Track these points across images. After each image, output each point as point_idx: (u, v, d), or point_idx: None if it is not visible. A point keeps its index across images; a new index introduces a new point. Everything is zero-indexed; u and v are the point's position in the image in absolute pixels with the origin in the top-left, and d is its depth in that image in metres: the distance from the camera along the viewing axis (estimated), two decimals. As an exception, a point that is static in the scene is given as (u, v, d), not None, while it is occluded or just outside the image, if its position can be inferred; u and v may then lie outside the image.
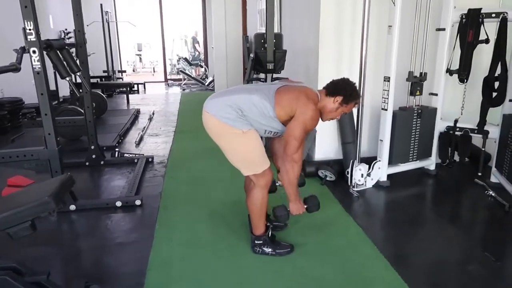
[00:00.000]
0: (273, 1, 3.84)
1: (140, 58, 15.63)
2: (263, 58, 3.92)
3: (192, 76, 11.08)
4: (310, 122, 2.23)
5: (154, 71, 15.00)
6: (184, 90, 10.33)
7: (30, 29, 2.67)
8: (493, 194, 3.21)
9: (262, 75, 4.33)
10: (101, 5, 8.86)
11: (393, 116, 3.37)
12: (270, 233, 2.47)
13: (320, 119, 2.43)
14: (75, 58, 3.53)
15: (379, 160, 3.46)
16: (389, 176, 3.53)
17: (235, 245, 2.57)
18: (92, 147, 4.08)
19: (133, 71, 15.50)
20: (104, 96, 6.80)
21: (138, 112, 6.94)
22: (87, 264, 2.45)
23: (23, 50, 2.71)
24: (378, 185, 3.48)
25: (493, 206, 3.14)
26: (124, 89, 8.98)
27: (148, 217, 3.00)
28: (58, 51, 3.36)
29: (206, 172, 3.94)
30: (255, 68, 4.04)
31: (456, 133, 3.55)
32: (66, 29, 9.63)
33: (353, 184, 3.36)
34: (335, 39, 3.57)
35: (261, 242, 2.45)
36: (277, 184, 2.63)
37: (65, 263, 2.46)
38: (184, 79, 10.96)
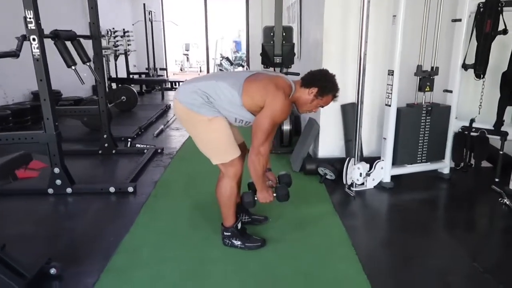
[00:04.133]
0: (281, -7, 3.75)
1: (188, 58, 16.10)
2: (270, 52, 3.83)
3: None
4: (279, 114, 2.13)
5: (200, 71, 15.36)
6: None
7: (30, 18, 2.81)
8: (507, 203, 2.88)
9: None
10: (144, 4, 9.23)
11: (398, 113, 3.14)
12: (239, 225, 2.39)
13: (297, 110, 2.34)
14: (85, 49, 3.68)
15: (382, 160, 3.24)
16: (394, 177, 3.29)
17: (209, 237, 2.51)
18: (105, 136, 4.23)
19: (181, 70, 16.01)
20: (134, 90, 7.04)
21: (168, 107, 7.12)
22: (62, 244, 2.52)
23: (24, 38, 2.86)
24: (380, 187, 3.26)
25: (507, 215, 2.82)
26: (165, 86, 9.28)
27: (136, 204, 3.03)
28: (73, 42, 3.55)
29: (208, 166, 3.91)
30: (263, 62, 3.97)
31: (472, 134, 3.22)
32: (113, 28, 10.13)
33: (348, 183, 3.17)
34: (340, 32, 3.41)
35: (229, 234, 2.38)
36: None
37: (42, 241, 2.55)
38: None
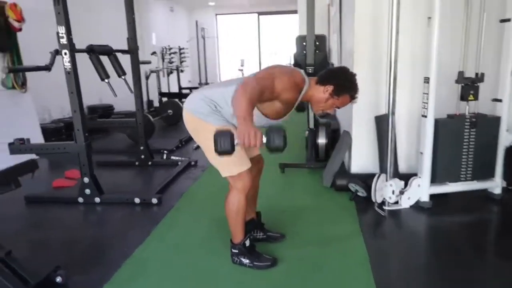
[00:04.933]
0: (313, 1, 3.60)
1: (242, 73, 16.36)
2: (302, 62, 3.70)
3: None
4: (281, 72, 1.96)
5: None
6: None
7: (62, 33, 2.96)
8: None
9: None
10: (196, 21, 9.54)
11: (436, 125, 2.83)
12: (247, 242, 2.25)
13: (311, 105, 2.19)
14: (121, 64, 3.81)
15: (419, 177, 2.93)
16: (433, 197, 2.96)
17: (220, 253, 2.39)
18: (142, 148, 4.33)
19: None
20: (181, 105, 7.21)
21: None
22: (77, 251, 2.54)
23: (56, 52, 3.01)
24: (417, 206, 2.95)
25: None
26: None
27: (157, 216, 3.01)
28: (109, 57, 3.69)
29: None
30: (296, 72, 3.83)
31: (527, 149, 2.82)
32: (168, 45, 10.57)
33: (378, 201, 2.90)
34: (372, 39, 3.19)
35: (237, 251, 2.25)
36: None
37: (60, 247, 2.60)
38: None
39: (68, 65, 3.02)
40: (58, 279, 2.12)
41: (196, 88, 9.94)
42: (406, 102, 3.22)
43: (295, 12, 9.03)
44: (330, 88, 2.04)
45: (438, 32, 2.65)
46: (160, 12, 10.27)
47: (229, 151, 1.58)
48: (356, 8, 3.15)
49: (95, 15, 6.98)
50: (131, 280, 2.17)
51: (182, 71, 11.53)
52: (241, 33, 13.07)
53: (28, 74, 4.68)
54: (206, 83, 10.37)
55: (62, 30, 2.96)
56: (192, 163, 4.33)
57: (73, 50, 3.02)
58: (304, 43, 3.75)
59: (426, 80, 2.76)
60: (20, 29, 4.50)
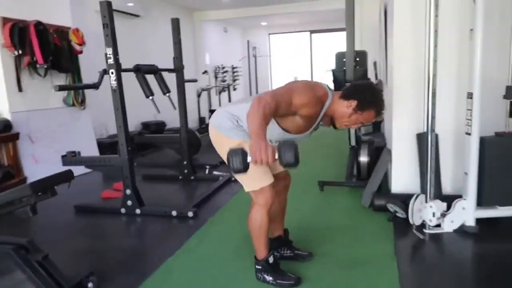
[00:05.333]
0: (352, 15, 3.56)
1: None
2: (340, 78, 3.64)
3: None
4: (301, 88, 1.93)
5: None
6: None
7: (109, 54, 3.19)
8: None
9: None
10: (247, 41, 9.78)
11: (482, 143, 2.63)
12: (270, 259, 2.21)
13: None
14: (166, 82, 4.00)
15: (464, 199, 2.73)
16: (480, 221, 2.73)
17: (247, 268, 2.35)
18: (185, 162, 4.47)
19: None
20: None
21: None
22: (112, 259, 2.66)
23: (104, 71, 3.24)
24: (461, 231, 2.73)
25: None
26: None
27: (192, 229, 3.08)
28: (155, 75, 3.90)
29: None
30: (335, 88, 3.78)
31: None
32: (222, 65, 10.93)
33: (416, 223, 2.73)
34: (413, 54, 3.05)
35: (260, 268, 2.22)
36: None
37: (96, 255, 2.74)
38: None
39: (114, 83, 3.23)
40: (90, 285, 2.22)
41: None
42: (451, 119, 3.04)
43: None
44: (353, 103, 1.99)
45: (482, 44, 2.48)
46: (214, 33, 10.68)
47: (242, 169, 1.58)
48: (395, 22, 3.06)
49: (153, 38, 7.42)
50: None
51: (235, 89, 11.85)
52: (293, 51, 13.17)
53: (87, 93, 5.08)
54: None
55: (109, 51, 3.18)
56: (233, 178, 4.38)
57: (119, 69, 3.23)
58: (344, 60, 3.71)
59: (469, 95, 2.59)
60: (81, 52, 4.92)
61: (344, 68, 3.67)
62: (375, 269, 2.33)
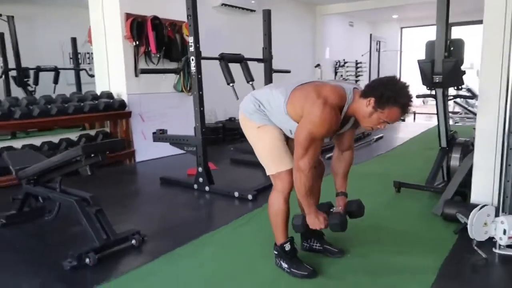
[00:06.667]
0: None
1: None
2: (426, 70, 3.25)
3: (468, 108, 9.69)
4: (317, 125, 1.89)
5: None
6: (456, 122, 9.26)
7: (191, 43, 3.49)
8: None
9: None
10: (370, 35, 9.32)
11: None
12: (287, 246, 2.17)
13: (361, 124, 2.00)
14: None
15: (549, 218, 2.20)
16: None
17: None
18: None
19: (423, 103, 15.00)
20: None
21: (363, 134, 6.87)
22: (166, 224, 2.98)
23: (186, 58, 3.56)
24: (544, 256, 2.21)
25: None
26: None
27: (246, 210, 3.20)
28: (241, 64, 4.11)
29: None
30: (422, 83, 3.40)
31: None
32: (344, 59, 10.73)
33: (478, 239, 2.30)
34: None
35: (277, 253, 2.21)
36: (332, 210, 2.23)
37: (156, 218, 3.11)
38: (461, 112, 9.83)
39: (193, 69, 3.53)
40: (133, 241, 2.54)
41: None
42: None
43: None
44: (372, 100, 1.83)
45: None
46: (338, 27, 10.48)
47: (302, 228, 2.16)
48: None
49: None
50: (184, 257, 2.41)
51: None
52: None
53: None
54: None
55: (191, 40, 3.49)
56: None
57: (198, 57, 3.51)
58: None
59: None
60: (191, 43, 5.44)
61: (433, 59, 3.25)
62: (406, 280, 2.08)
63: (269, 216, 2.20)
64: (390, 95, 1.79)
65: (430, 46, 3.38)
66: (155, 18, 4.98)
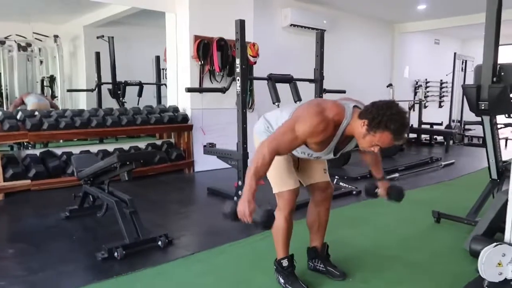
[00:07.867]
0: (496, 11, 2.92)
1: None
2: (471, 95, 3.07)
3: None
4: (303, 120, 1.91)
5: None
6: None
7: (237, 64, 3.77)
8: None
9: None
10: (454, 54, 8.71)
11: None
12: (284, 263, 2.26)
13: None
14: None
15: None
16: None
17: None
18: (315, 169, 4.65)
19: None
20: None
21: (432, 160, 6.46)
22: (195, 229, 3.26)
23: (233, 79, 3.84)
24: None
25: None
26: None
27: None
28: (290, 84, 4.29)
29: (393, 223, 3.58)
30: (469, 109, 3.21)
31: None
32: (426, 79, 10.23)
33: (490, 279, 2.13)
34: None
35: (275, 268, 2.32)
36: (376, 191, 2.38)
37: (189, 224, 3.41)
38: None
39: (238, 88, 3.79)
40: (159, 242, 2.84)
41: (439, 124, 9.03)
42: None
43: None
44: (365, 122, 1.86)
45: None
46: (420, 44, 10.02)
47: (232, 215, 1.94)
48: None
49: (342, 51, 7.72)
50: (199, 261, 2.65)
51: (441, 106, 10.83)
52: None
53: (257, 98, 5.91)
54: (459, 122, 9.27)
55: (238, 61, 3.76)
56: (354, 192, 4.29)
57: (244, 77, 3.77)
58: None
59: None
60: (254, 63, 5.76)
61: (479, 84, 3.06)
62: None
63: (272, 231, 2.31)
64: (381, 119, 1.80)
65: (478, 70, 3.18)
66: (220, 40, 5.39)
